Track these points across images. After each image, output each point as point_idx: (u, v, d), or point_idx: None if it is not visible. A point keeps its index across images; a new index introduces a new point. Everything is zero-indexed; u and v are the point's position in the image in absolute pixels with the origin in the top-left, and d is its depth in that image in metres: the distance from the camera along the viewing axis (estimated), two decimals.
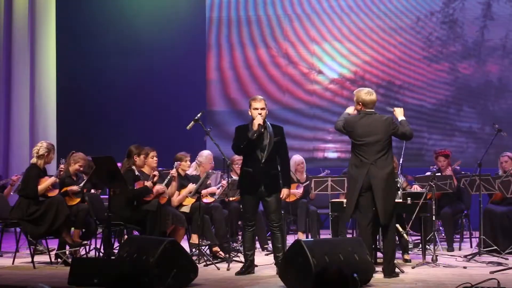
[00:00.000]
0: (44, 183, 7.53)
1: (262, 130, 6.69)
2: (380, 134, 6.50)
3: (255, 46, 12.50)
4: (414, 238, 8.81)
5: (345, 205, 7.27)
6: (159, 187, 7.72)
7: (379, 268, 6.53)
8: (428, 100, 11.89)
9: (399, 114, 6.78)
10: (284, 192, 6.82)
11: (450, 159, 8.96)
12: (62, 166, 7.83)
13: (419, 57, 11.95)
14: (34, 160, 7.66)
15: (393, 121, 6.62)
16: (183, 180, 8.20)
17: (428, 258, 7.36)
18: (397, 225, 6.88)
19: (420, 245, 7.83)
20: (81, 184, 7.96)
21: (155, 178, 7.64)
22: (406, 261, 7.48)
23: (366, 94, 6.60)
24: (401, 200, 7.25)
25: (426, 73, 11.91)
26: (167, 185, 7.86)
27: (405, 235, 7.32)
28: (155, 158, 7.93)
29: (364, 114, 6.59)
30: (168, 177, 7.90)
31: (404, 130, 6.59)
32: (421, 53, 11.94)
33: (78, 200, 7.89)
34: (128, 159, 7.72)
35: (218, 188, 8.47)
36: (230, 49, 12.58)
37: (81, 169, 8.14)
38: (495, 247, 7.98)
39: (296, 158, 9.35)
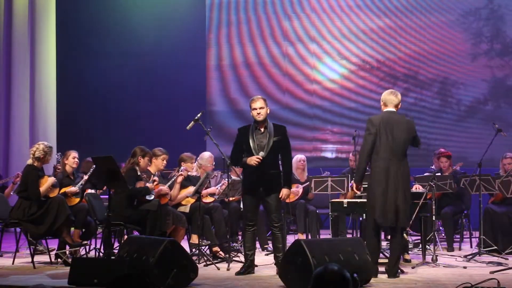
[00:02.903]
0: (45, 185, 7.48)
1: (258, 162, 6.66)
2: (405, 134, 6.50)
3: (255, 46, 12.50)
4: (414, 238, 8.80)
5: (345, 205, 7.24)
6: (163, 188, 7.72)
7: (381, 269, 6.51)
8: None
9: None
10: (284, 192, 6.75)
11: (452, 160, 8.99)
12: (58, 165, 7.84)
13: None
14: (30, 161, 7.57)
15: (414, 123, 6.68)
16: (185, 181, 8.19)
17: (428, 258, 7.36)
18: None
19: (420, 245, 7.82)
20: (79, 184, 7.95)
21: (155, 183, 7.64)
22: (406, 261, 7.47)
23: (389, 94, 6.63)
24: None
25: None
26: (170, 187, 7.86)
27: (405, 235, 7.32)
28: (165, 161, 7.93)
29: (389, 113, 6.57)
30: (172, 180, 7.89)
31: (418, 138, 6.65)
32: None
33: (78, 200, 7.90)
34: (132, 158, 7.70)
35: (217, 189, 8.46)
36: (230, 49, 12.58)
37: (76, 160, 8.12)
38: (495, 247, 7.99)
39: (297, 156, 9.37)
